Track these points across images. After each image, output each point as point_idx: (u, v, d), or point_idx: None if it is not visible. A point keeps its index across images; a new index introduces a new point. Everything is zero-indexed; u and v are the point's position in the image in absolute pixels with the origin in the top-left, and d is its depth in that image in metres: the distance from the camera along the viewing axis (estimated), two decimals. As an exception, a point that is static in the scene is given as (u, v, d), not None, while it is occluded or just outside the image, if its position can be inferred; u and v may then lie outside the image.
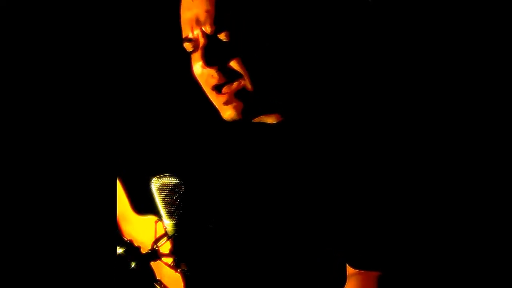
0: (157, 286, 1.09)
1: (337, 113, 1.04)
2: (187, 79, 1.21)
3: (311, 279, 1.05)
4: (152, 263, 1.07)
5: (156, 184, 1.02)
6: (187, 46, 0.96)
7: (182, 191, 1.01)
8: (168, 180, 1.00)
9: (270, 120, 1.03)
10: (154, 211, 1.06)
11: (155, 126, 1.16)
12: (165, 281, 1.09)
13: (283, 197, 1.01)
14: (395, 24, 1.22)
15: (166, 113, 1.16)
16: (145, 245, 1.08)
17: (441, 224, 1.19)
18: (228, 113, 0.95)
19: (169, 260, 1.06)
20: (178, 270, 1.05)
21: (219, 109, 0.97)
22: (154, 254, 1.06)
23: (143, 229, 1.09)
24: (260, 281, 1.05)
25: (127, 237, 1.16)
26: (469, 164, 1.17)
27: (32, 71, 0.78)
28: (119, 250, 1.07)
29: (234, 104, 0.94)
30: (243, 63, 0.92)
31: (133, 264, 1.06)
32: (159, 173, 1.03)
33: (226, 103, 0.94)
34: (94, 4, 0.81)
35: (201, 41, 0.93)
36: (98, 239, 0.80)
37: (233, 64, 0.92)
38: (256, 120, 1.02)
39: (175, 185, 1.00)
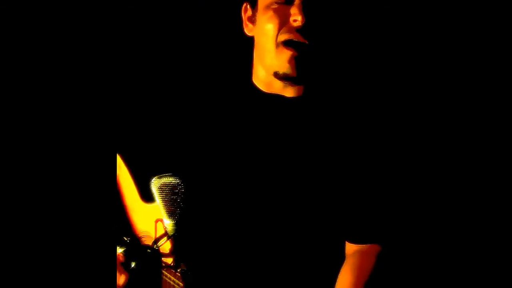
0: (164, 272, 1.08)
1: (353, 101, 1.09)
2: (188, 78, 1.21)
3: (309, 278, 1.05)
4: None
5: (156, 184, 1.02)
6: None
7: (182, 191, 1.01)
8: (168, 180, 1.00)
9: (291, 93, 1.06)
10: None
11: (156, 125, 1.16)
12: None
13: (284, 189, 1.02)
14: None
15: (166, 113, 1.16)
16: (152, 234, 1.08)
17: (440, 198, 1.21)
18: (288, 67, 1.00)
19: (169, 260, 1.06)
20: (178, 270, 1.05)
21: (277, 64, 1.01)
22: (154, 254, 1.06)
23: (150, 217, 1.09)
24: (260, 280, 1.05)
25: (136, 227, 1.16)
26: (467, 150, 1.20)
27: (33, 70, 0.78)
28: (119, 250, 1.07)
29: (295, 62, 0.99)
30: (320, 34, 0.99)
31: (133, 264, 1.06)
32: (165, 164, 1.04)
33: (291, 59, 0.99)
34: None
35: None
36: (98, 239, 0.80)
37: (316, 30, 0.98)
38: (277, 92, 1.06)
39: (175, 185, 1.00)
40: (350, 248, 1.05)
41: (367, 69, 1.28)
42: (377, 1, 1.26)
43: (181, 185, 1.00)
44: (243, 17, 1.10)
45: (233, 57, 1.17)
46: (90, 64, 0.81)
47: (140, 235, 1.15)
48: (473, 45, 1.21)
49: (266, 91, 1.08)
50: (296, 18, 0.98)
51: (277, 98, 1.07)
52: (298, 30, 0.98)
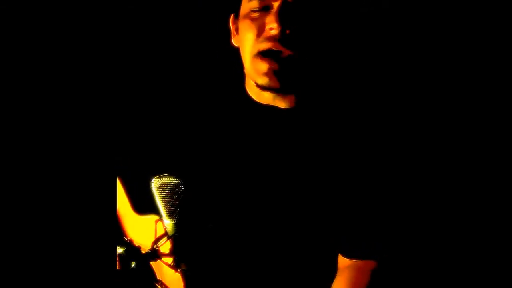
0: (158, 286, 1.09)
1: (347, 112, 1.06)
2: (189, 77, 1.21)
3: (309, 278, 1.05)
4: (152, 263, 1.07)
5: (156, 184, 1.02)
6: (255, 3, 0.96)
7: (182, 191, 1.01)
8: (168, 180, 1.00)
9: (283, 104, 1.03)
10: (154, 210, 1.06)
11: (155, 125, 1.16)
12: (166, 281, 1.09)
13: (280, 194, 1.01)
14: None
15: (166, 112, 1.16)
16: (146, 246, 1.08)
17: (435, 214, 1.21)
18: (265, 78, 0.95)
19: (169, 260, 1.06)
20: (178, 270, 1.05)
21: (255, 75, 0.97)
22: (154, 254, 1.06)
23: (143, 229, 1.09)
24: (259, 280, 1.05)
25: (127, 237, 1.16)
26: (462, 155, 1.20)
27: (35, 70, 0.78)
28: (119, 250, 1.07)
29: (273, 73, 0.94)
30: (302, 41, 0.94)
31: (133, 264, 1.06)
32: (159, 173, 1.03)
33: (268, 72, 0.94)
34: None
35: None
36: (98, 239, 0.80)
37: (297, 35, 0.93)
38: (268, 102, 1.03)
39: (175, 185, 1.00)
40: (344, 262, 1.02)
41: (360, 77, 1.26)
42: (362, 4, 1.24)
43: (181, 185, 1.00)
44: (231, 28, 1.06)
45: (227, 65, 1.14)
46: (91, 64, 0.81)
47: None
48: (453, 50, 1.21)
49: (258, 101, 1.05)
50: (271, 26, 0.93)
51: (269, 109, 1.03)
52: (278, 38, 0.93)
